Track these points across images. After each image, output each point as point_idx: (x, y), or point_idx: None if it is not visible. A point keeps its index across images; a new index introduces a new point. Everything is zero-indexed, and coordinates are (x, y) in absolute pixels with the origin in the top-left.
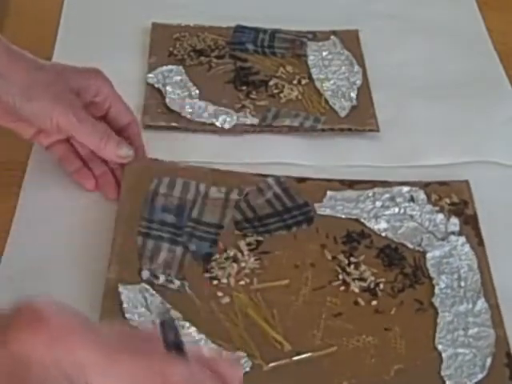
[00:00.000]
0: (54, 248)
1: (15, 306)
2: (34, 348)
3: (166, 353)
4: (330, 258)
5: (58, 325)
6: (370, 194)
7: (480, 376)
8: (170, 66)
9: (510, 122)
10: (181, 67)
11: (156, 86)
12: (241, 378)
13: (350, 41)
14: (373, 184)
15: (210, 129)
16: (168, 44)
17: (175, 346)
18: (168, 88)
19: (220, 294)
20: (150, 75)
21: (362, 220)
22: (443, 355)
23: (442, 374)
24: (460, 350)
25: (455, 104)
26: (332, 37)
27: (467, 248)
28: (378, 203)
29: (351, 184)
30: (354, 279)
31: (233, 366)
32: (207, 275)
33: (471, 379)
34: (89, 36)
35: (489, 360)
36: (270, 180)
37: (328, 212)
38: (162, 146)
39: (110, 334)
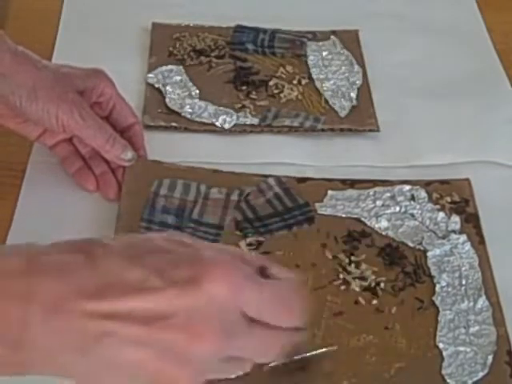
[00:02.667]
0: None
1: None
2: (220, 291)
3: None
4: (330, 257)
5: (237, 275)
6: (371, 193)
7: (481, 374)
8: (170, 66)
9: (510, 121)
10: (181, 67)
11: (156, 86)
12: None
13: (350, 41)
14: (373, 183)
15: (210, 129)
16: (168, 44)
17: None
18: (168, 88)
19: None
20: (150, 75)
21: (363, 219)
22: (444, 353)
23: (443, 372)
24: (461, 348)
25: (455, 104)
26: (332, 37)
27: (468, 246)
28: (379, 202)
29: (352, 183)
30: (354, 278)
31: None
32: None
33: (472, 377)
34: (89, 36)
35: (490, 358)
36: (271, 180)
37: (329, 211)
38: (162, 146)
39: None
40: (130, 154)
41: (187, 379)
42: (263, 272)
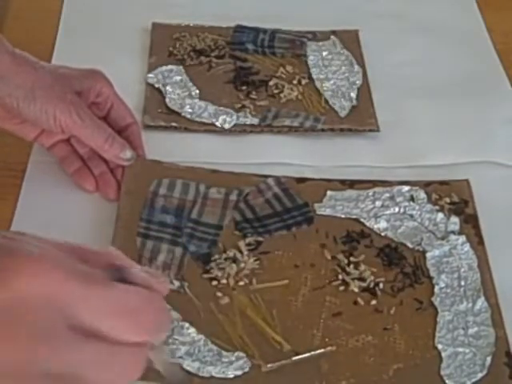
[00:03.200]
0: None
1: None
2: (28, 288)
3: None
4: (329, 257)
5: (51, 265)
6: (370, 194)
7: (480, 375)
8: (170, 66)
9: (510, 122)
10: (181, 67)
11: (156, 86)
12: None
13: (350, 41)
14: (373, 184)
15: (210, 129)
16: (168, 44)
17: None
18: (168, 88)
19: (219, 294)
20: (150, 75)
21: (362, 220)
22: (443, 354)
23: (442, 373)
24: (460, 349)
25: (455, 104)
26: (332, 37)
27: (467, 247)
28: (378, 203)
29: (351, 184)
30: (353, 279)
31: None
32: (206, 276)
33: (471, 378)
34: (89, 36)
35: (488, 359)
36: (270, 180)
37: (328, 212)
38: (162, 146)
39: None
40: (128, 153)
41: None
42: (117, 273)
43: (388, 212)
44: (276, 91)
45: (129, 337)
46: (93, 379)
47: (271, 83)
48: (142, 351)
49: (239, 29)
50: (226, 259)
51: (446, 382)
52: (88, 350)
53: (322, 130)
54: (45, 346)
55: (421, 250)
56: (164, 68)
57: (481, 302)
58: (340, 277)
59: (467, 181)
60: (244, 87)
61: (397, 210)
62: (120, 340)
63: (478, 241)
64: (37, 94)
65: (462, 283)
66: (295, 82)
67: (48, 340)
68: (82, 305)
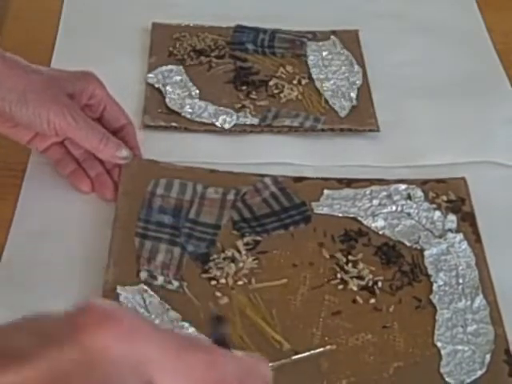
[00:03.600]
0: (52, 249)
1: (76, 307)
2: (105, 344)
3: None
4: (327, 256)
5: (129, 322)
6: (367, 193)
7: (479, 373)
8: (170, 66)
9: (510, 122)
10: (181, 67)
11: (156, 86)
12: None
13: (350, 41)
14: (370, 182)
15: (210, 129)
16: (168, 44)
17: (221, 342)
18: (168, 88)
19: (218, 294)
20: (150, 75)
21: (360, 218)
22: (442, 352)
23: (442, 370)
24: (459, 347)
25: (455, 104)
26: (332, 37)
27: (465, 245)
28: (375, 201)
29: (348, 182)
30: (352, 277)
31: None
32: (205, 275)
33: (470, 376)
34: (89, 36)
35: (488, 357)
36: (267, 180)
37: (325, 211)
38: (162, 146)
39: (169, 332)
40: (124, 152)
41: None
42: (220, 341)
43: (385, 210)
44: (276, 91)
45: None
46: None
47: (271, 83)
48: None
49: (239, 29)
50: (224, 259)
51: (446, 379)
52: None
53: (322, 130)
54: None
55: (418, 248)
56: (164, 68)
57: (479, 300)
58: (338, 275)
59: (464, 179)
60: (244, 87)
61: (394, 208)
62: None
63: (475, 239)
64: (29, 98)
65: (461, 281)
66: (295, 81)
67: None
68: (161, 368)
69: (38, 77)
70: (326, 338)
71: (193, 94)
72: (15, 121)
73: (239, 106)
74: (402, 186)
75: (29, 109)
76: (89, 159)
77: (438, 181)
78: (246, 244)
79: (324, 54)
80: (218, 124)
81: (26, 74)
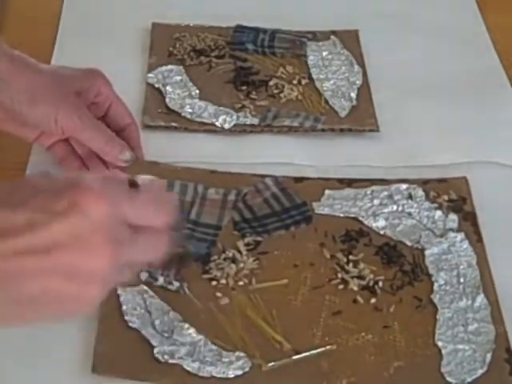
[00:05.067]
0: None
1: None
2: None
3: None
4: (328, 256)
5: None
6: (368, 192)
7: (480, 372)
8: (170, 66)
9: (510, 122)
10: (181, 67)
11: (156, 86)
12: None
13: (350, 41)
14: (371, 182)
15: (210, 129)
16: (168, 44)
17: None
18: (168, 88)
19: (219, 294)
20: (150, 75)
21: (361, 218)
22: (443, 351)
23: (442, 370)
24: (460, 346)
25: (455, 104)
26: (332, 37)
27: (466, 244)
28: (376, 201)
29: (349, 182)
30: (352, 277)
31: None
32: (206, 276)
33: (471, 375)
34: (89, 36)
35: (489, 356)
36: (268, 180)
37: (326, 211)
38: (162, 146)
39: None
40: (128, 154)
41: (95, 293)
42: (133, 185)
43: (386, 210)
44: (276, 91)
45: (159, 221)
46: (142, 260)
47: (271, 83)
48: (168, 232)
49: (239, 29)
50: (225, 259)
51: (447, 379)
52: (141, 240)
53: (322, 130)
54: (120, 247)
55: (419, 247)
56: (164, 68)
57: (480, 299)
58: (339, 275)
59: (465, 178)
60: (244, 87)
61: (395, 208)
62: (155, 226)
63: (476, 238)
64: (37, 97)
65: (462, 280)
66: (295, 82)
67: (121, 242)
68: (131, 209)
69: (47, 76)
70: (327, 338)
71: (193, 93)
72: (23, 120)
73: (239, 106)
74: (403, 186)
75: (37, 108)
76: (92, 157)
77: (439, 180)
78: (247, 244)
79: (324, 54)
80: (218, 124)
81: (34, 73)
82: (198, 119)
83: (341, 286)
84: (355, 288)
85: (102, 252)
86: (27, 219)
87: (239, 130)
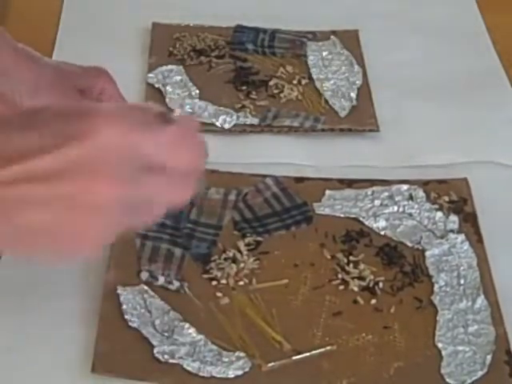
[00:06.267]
0: None
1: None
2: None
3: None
4: (329, 257)
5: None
6: (369, 193)
7: (480, 373)
8: (170, 66)
9: (510, 122)
10: (181, 67)
11: (156, 86)
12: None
13: (350, 41)
14: (371, 183)
15: (210, 129)
16: (168, 44)
17: None
18: (168, 88)
19: (219, 294)
20: (150, 75)
21: (361, 219)
22: (443, 353)
23: (442, 371)
24: (460, 348)
25: (455, 104)
26: (332, 37)
27: (466, 246)
28: (377, 202)
29: (350, 183)
30: (353, 278)
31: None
32: (206, 276)
33: (471, 376)
34: (89, 36)
35: (489, 357)
36: (269, 180)
37: (327, 211)
38: None
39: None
40: None
41: (97, 228)
42: (163, 118)
43: (387, 211)
44: (276, 91)
45: (185, 163)
46: (161, 201)
47: (271, 83)
48: (193, 178)
49: (239, 29)
50: (225, 259)
51: (447, 380)
52: (158, 180)
53: (322, 130)
54: (131, 183)
55: (420, 248)
56: (164, 68)
57: (480, 301)
58: (340, 276)
59: (466, 179)
60: (244, 87)
61: (396, 208)
62: (179, 167)
63: (477, 239)
64: (39, 90)
65: (462, 282)
66: (295, 82)
67: (133, 178)
68: (150, 143)
69: (50, 70)
70: (327, 339)
71: (193, 93)
72: None
73: (239, 105)
74: (404, 187)
75: (38, 101)
76: None
77: (440, 181)
78: (248, 244)
79: (324, 54)
80: (218, 124)
81: (37, 66)
82: (198, 119)
83: (341, 287)
84: (355, 288)
85: (106, 183)
86: (36, 143)
87: (239, 129)
